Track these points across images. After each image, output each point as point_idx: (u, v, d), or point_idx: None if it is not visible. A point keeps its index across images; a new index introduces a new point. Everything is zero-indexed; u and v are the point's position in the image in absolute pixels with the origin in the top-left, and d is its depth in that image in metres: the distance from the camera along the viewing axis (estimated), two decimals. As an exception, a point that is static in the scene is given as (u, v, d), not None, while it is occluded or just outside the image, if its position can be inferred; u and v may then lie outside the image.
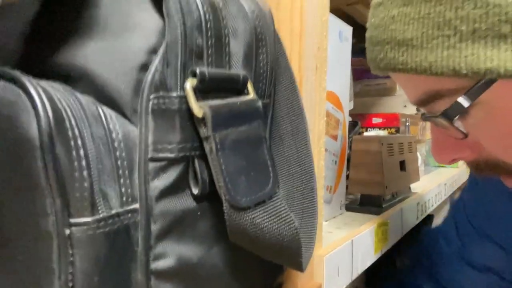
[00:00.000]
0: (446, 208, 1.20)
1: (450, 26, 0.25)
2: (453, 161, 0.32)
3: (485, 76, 0.25)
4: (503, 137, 0.28)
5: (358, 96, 1.06)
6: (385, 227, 0.41)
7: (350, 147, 0.50)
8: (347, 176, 0.50)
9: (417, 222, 0.54)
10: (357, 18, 0.99)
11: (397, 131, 0.71)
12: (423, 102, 0.30)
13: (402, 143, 0.55)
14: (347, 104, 0.49)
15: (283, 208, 0.18)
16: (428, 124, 1.05)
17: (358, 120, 0.73)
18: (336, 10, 0.90)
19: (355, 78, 1.08)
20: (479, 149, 0.30)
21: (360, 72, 1.06)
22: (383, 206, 0.49)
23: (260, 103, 0.19)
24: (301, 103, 0.24)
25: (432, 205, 0.64)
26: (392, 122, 0.71)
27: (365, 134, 0.69)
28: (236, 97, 0.18)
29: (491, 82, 0.26)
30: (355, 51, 1.08)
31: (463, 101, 0.27)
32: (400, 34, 0.27)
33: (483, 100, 0.27)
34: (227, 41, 0.19)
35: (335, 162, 0.46)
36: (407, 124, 0.73)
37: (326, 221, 0.44)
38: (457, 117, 0.28)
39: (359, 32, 1.04)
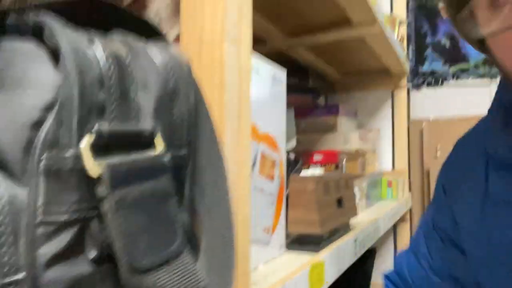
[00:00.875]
0: (390, 241, 1.25)
1: None
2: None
3: None
4: None
5: (303, 133, 1.10)
6: (320, 268, 0.41)
7: (287, 187, 0.51)
8: (286, 216, 0.50)
9: (356, 258, 0.55)
10: (299, 60, 1.04)
11: (337, 167, 0.73)
12: None
13: (338, 181, 0.57)
14: (284, 144, 0.50)
15: (190, 267, 0.17)
16: (368, 160, 1.10)
17: (301, 157, 0.75)
18: (277, 54, 0.95)
19: (300, 115, 1.12)
20: None
21: (305, 110, 1.11)
22: (321, 244, 0.49)
23: (167, 157, 0.19)
24: (221, 153, 0.24)
25: (372, 240, 0.65)
26: (331, 158, 0.74)
27: (303, 172, 0.71)
28: (141, 152, 0.18)
29: None
30: (301, 90, 1.13)
31: None
32: None
33: None
34: (134, 95, 0.18)
35: (273, 202, 0.46)
36: (343, 161, 0.76)
37: (266, 263, 0.44)
38: None
39: (302, 73, 1.09)
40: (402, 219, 1.24)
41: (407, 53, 2.21)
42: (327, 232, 0.51)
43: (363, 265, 0.96)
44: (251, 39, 0.30)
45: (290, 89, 1.12)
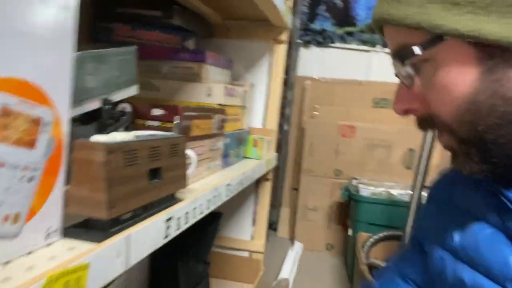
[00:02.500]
0: (250, 199, 1.24)
1: None
2: (406, 112, 0.40)
3: (437, 30, 0.33)
4: (439, 91, 0.36)
5: (163, 78, 0.95)
6: (80, 273, 0.31)
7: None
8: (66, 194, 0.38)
9: (169, 238, 0.47)
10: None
11: (177, 126, 0.62)
12: (396, 53, 0.38)
13: (157, 147, 0.46)
14: (67, 95, 0.36)
15: None
16: (232, 116, 1.02)
17: (133, 110, 0.62)
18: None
19: (162, 57, 0.97)
20: (426, 104, 0.38)
21: (169, 50, 0.95)
22: (112, 230, 0.39)
23: None
24: None
25: (202, 212, 0.58)
26: (172, 114, 0.62)
27: (97, 137, 0.58)
28: None
29: (441, 38, 0.33)
30: (165, 27, 0.96)
31: (417, 49, 0.35)
32: None
33: (433, 57, 0.35)
34: None
35: (31, 178, 0.33)
36: (188, 120, 0.65)
37: (10, 261, 0.31)
38: (403, 65, 0.36)
39: (166, 7, 0.92)
40: (264, 178, 1.22)
41: (299, 7, 2.15)
42: (122, 214, 0.40)
43: (206, 227, 0.92)
44: None
45: (149, 23, 0.95)
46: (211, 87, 0.90)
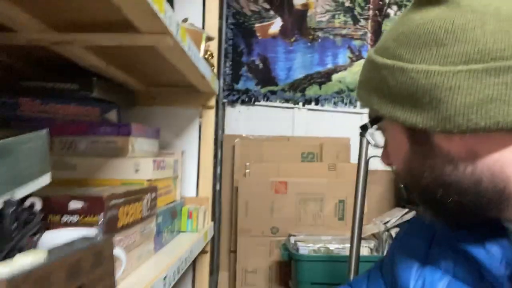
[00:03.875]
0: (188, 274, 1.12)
1: (370, 79, 0.43)
2: (388, 163, 0.47)
3: (376, 113, 0.43)
4: (392, 154, 0.46)
5: (83, 156, 0.85)
6: None
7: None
8: None
9: None
10: (81, 63, 0.80)
11: (101, 220, 0.53)
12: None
13: (77, 262, 0.38)
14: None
15: None
16: (164, 190, 0.94)
17: (43, 205, 0.52)
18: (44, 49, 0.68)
19: (80, 133, 0.87)
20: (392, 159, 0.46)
21: (87, 125, 0.87)
22: None
23: None
24: None
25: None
26: (95, 207, 0.54)
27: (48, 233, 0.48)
28: None
29: (382, 118, 0.43)
30: (81, 99, 0.87)
31: (371, 124, 0.45)
32: (361, 77, 0.46)
33: (383, 128, 0.45)
34: None
35: None
36: (115, 211, 0.57)
37: None
38: (369, 130, 0.45)
39: (84, 79, 0.85)
40: (202, 251, 1.13)
41: (222, 69, 2.21)
42: None
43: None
44: None
45: (61, 96, 0.86)
46: (139, 162, 0.83)
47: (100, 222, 0.53)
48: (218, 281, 2.09)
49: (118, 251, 0.50)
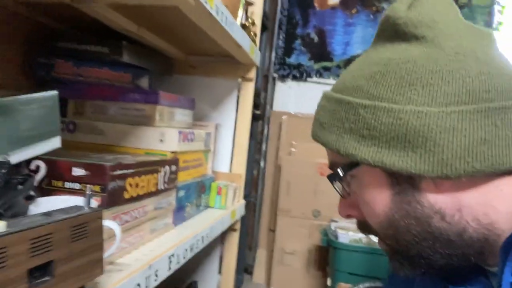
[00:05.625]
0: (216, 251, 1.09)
1: (341, 121, 0.39)
2: (348, 216, 0.44)
3: (352, 158, 0.38)
4: (365, 205, 0.41)
5: (111, 120, 0.84)
6: None
7: None
8: None
9: None
10: (114, 28, 0.77)
11: (104, 189, 0.50)
12: (331, 167, 0.43)
13: (45, 236, 0.34)
14: None
15: None
16: (189, 164, 0.90)
17: (46, 170, 0.50)
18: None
19: (109, 97, 0.86)
20: (360, 212, 0.42)
21: (117, 90, 0.85)
22: None
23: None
24: None
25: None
26: (98, 175, 0.51)
27: (44, 199, 0.46)
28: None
29: (357, 163, 0.39)
30: (114, 63, 0.85)
31: (340, 171, 0.40)
32: (322, 118, 0.42)
33: (355, 175, 0.40)
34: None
35: None
36: (121, 181, 0.53)
37: None
38: (336, 180, 0.42)
39: (114, 43, 0.82)
40: (231, 229, 1.10)
41: (275, 41, 2.10)
42: None
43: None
44: None
45: (95, 59, 0.84)
46: (164, 132, 0.79)
47: (100, 191, 0.50)
48: (256, 258, 2.08)
49: (110, 224, 0.46)
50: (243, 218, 1.17)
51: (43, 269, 0.34)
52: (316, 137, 0.43)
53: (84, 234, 0.40)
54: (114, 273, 0.48)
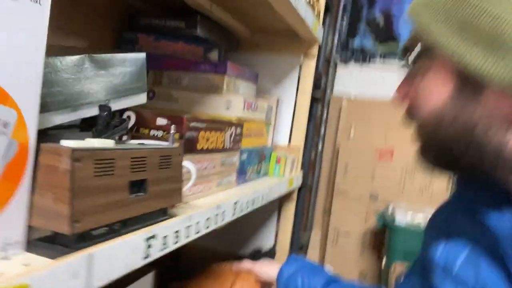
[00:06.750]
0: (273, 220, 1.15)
1: (444, 9, 0.39)
2: (402, 98, 0.46)
3: (436, 44, 0.40)
4: (423, 91, 0.42)
5: (185, 89, 0.93)
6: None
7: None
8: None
9: (149, 260, 0.42)
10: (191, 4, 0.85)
11: (181, 137, 0.59)
12: (412, 43, 0.44)
13: (142, 157, 0.42)
14: (32, 96, 0.34)
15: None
16: (251, 131, 0.97)
17: (137, 118, 0.59)
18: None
19: (183, 68, 0.95)
20: (415, 97, 0.43)
21: (190, 62, 0.93)
22: (76, 246, 0.35)
23: None
24: None
25: (198, 231, 0.53)
26: (177, 125, 0.59)
27: (135, 141, 0.55)
28: None
29: (437, 50, 0.40)
30: (189, 38, 0.94)
31: (419, 51, 0.42)
32: None
33: (430, 61, 0.41)
34: None
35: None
36: (195, 132, 0.61)
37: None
38: (410, 58, 0.43)
39: (189, 17, 0.91)
40: (288, 198, 1.15)
41: (339, 23, 2.09)
42: (92, 230, 0.36)
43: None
44: None
45: (172, 34, 0.94)
46: (230, 100, 0.87)
47: (171, 138, 0.58)
48: (310, 238, 2.12)
49: (188, 164, 0.54)
50: (299, 199, 1.22)
51: (139, 185, 0.43)
52: (411, 14, 0.43)
53: (169, 164, 0.48)
54: (188, 208, 0.56)
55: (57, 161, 0.34)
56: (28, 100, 0.33)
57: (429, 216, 1.63)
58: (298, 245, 2.08)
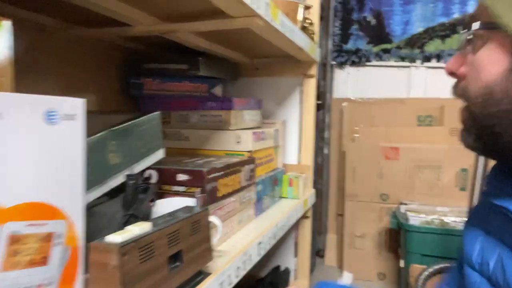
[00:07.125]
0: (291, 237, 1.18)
1: None
2: (452, 73, 0.46)
3: (498, 20, 0.39)
4: (476, 67, 0.42)
5: (194, 127, 0.96)
6: None
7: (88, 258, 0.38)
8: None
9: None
10: (190, 45, 0.88)
11: (203, 190, 0.62)
12: (471, 19, 0.43)
13: (176, 231, 0.45)
14: (80, 200, 0.37)
15: None
16: (262, 160, 1.00)
17: (157, 178, 0.62)
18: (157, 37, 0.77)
19: (191, 107, 0.98)
20: (466, 72, 0.44)
21: (197, 100, 0.97)
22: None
23: None
24: None
25: (231, 283, 0.56)
26: (196, 179, 0.62)
27: (162, 199, 0.58)
28: None
29: (496, 27, 0.40)
30: (191, 77, 0.97)
31: (478, 25, 0.42)
32: None
33: (487, 37, 0.42)
34: None
35: (46, 293, 0.33)
36: (214, 183, 0.64)
37: None
38: (467, 32, 0.44)
39: (191, 60, 0.94)
40: (304, 216, 1.18)
41: (331, 29, 2.11)
42: (142, 312, 0.39)
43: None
44: None
45: (176, 75, 0.97)
46: (240, 134, 0.90)
47: (200, 192, 0.61)
48: (326, 242, 2.16)
49: (214, 219, 0.57)
50: (312, 205, 1.25)
51: (176, 257, 0.46)
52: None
53: (199, 228, 0.51)
54: (218, 258, 0.59)
55: (107, 258, 0.37)
56: (74, 205, 0.36)
57: (440, 214, 1.64)
58: (315, 250, 2.12)
